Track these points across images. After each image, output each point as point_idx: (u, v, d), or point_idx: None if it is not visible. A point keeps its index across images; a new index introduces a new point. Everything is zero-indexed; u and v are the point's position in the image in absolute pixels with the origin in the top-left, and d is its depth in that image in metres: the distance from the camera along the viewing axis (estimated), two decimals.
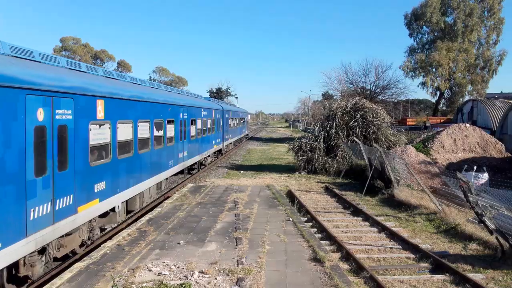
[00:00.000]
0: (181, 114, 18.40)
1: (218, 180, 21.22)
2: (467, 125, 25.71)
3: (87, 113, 9.53)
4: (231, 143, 37.47)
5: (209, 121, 25.20)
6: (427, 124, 55.37)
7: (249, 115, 76.64)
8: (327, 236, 11.28)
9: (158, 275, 7.94)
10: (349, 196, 17.11)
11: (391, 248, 10.55)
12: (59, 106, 8.35)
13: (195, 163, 22.89)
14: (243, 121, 51.53)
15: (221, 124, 30.35)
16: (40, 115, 7.70)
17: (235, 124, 41.54)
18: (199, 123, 22.26)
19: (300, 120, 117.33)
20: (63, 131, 8.47)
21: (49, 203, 7.92)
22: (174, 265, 8.47)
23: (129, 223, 13.06)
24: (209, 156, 25.86)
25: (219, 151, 30.73)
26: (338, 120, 24.72)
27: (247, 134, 59.56)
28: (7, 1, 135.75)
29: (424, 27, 63.49)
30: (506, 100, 47.33)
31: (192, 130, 20.80)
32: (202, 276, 7.87)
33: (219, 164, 28.80)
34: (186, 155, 19.58)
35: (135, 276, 7.86)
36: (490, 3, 59.57)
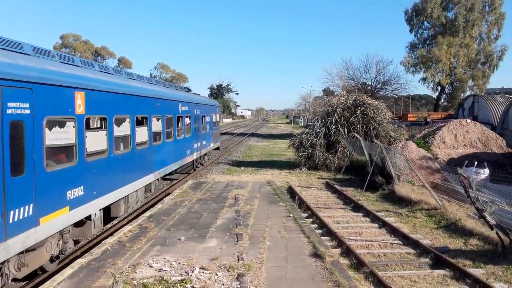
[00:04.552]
0: None
1: (219, 177, 21.23)
2: (468, 120, 25.67)
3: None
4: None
5: None
6: (428, 120, 55.25)
7: (219, 109, 33.74)
8: (328, 231, 11.30)
9: (159, 271, 7.97)
10: (350, 192, 17.11)
11: (391, 243, 10.57)
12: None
13: None
14: (199, 125, 21.69)
15: None
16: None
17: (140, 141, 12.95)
18: None
19: (301, 116, 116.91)
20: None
21: None
22: (175, 261, 8.49)
23: (130, 219, 13.10)
24: None
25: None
26: (339, 116, 24.68)
27: (218, 147, 30.46)
28: None
29: (424, 22, 63.13)
30: (507, 95, 47.19)
31: None
32: (203, 272, 7.88)
33: (219, 160, 28.82)
34: None
35: (136, 272, 7.88)
36: None
